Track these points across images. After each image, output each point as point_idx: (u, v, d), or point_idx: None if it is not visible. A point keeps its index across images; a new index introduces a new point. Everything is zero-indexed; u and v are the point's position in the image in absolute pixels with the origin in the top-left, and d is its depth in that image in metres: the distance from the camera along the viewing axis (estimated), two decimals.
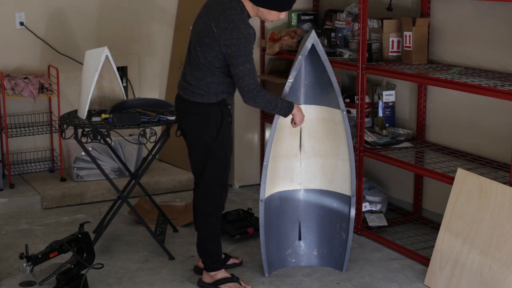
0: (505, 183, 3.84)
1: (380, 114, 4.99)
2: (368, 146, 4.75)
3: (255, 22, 5.64)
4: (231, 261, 4.32)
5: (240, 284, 4.05)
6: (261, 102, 3.79)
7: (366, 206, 4.88)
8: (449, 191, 4.07)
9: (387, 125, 4.99)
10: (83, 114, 4.44)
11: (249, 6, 3.77)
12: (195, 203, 4.06)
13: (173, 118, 4.39)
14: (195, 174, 4.00)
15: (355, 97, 4.77)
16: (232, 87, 3.88)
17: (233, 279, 4.06)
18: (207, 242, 4.04)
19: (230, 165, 4.04)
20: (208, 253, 4.05)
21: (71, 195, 5.42)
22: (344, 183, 4.23)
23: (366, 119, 4.92)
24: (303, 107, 4.20)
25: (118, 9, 5.96)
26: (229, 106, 3.95)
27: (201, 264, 4.17)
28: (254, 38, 3.76)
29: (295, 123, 4.00)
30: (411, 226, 4.91)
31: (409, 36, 4.67)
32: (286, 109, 3.90)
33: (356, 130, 4.71)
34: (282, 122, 4.12)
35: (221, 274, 4.07)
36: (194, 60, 3.84)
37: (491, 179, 3.89)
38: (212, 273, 4.06)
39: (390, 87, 5.05)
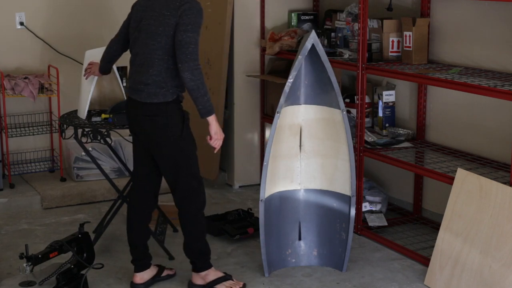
0: (505, 183, 3.84)
1: (380, 114, 4.99)
2: (368, 146, 4.75)
3: (255, 22, 5.65)
4: (165, 273, 4.16)
5: (233, 280, 4.03)
6: (197, 78, 3.66)
7: (366, 206, 4.88)
8: (449, 191, 4.07)
9: (387, 125, 4.99)
10: (83, 114, 4.44)
11: None
12: (178, 207, 3.96)
13: None
14: (170, 178, 3.89)
15: (355, 97, 4.77)
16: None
17: (226, 277, 4.02)
18: (198, 241, 3.97)
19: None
20: (199, 253, 3.98)
21: (71, 195, 5.42)
22: (344, 183, 4.23)
23: (366, 119, 4.92)
24: (303, 107, 4.20)
25: (118, 9, 5.96)
26: (182, 104, 3.88)
27: (137, 280, 4.03)
28: (203, 16, 3.78)
29: (210, 138, 3.81)
30: (411, 226, 4.91)
31: (409, 36, 4.67)
32: (210, 107, 3.74)
33: (356, 130, 4.71)
34: (282, 122, 4.13)
35: (213, 274, 4.01)
36: (147, 59, 3.77)
37: (491, 179, 3.90)
38: (203, 274, 3.99)
39: (390, 87, 5.05)
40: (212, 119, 3.78)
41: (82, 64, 4.69)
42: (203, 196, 3.96)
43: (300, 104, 4.20)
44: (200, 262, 4.00)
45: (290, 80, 4.04)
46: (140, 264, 4.03)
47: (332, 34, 5.36)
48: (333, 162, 4.25)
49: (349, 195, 4.21)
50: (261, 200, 4.11)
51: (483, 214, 3.84)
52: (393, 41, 4.82)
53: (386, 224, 4.81)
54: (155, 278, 4.09)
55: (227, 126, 5.77)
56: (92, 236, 4.44)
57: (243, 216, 4.93)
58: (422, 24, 4.67)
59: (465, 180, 3.98)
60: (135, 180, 4.07)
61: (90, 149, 5.16)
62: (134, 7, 3.93)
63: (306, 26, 5.66)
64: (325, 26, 5.52)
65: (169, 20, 3.71)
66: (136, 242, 4.02)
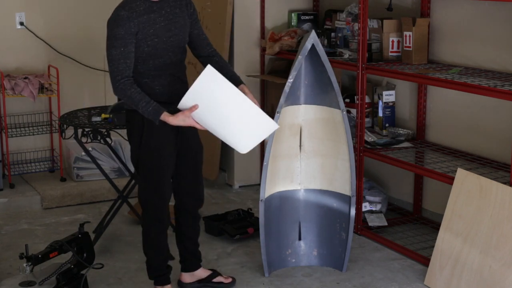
0: (505, 183, 3.84)
1: (380, 114, 4.99)
2: (368, 146, 4.75)
3: (255, 22, 5.65)
4: (217, 279, 4.07)
5: None
6: (121, 94, 3.51)
7: (366, 206, 4.88)
8: (449, 191, 4.07)
9: (387, 125, 4.99)
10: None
11: None
12: None
13: None
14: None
15: (355, 97, 4.77)
16: (153, 88, 3.61)
17: None
18: (148, 254, 3.87)
19: (164, 177, 3.72)
20: (149, 265, 3.89)
21: (71, 195, 5.42)
22: (344, 183, 4.23)
23: (366, 119, 4.92)
24: (303, 107, 4.20)
25: None
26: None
27: (185, 279, 4.04)
28: (126, 22, 3.46)
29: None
30: (411, 226, 4.91)
31: (409, 36, 4.67)
32: (150, 115, 3.48)
33: (356, 130, 4.71)
34: (282, 122, 4.13)
35: None
36: None
37: (491, 179, 3.90)
38: None
39: (390, 87, 5.05)
40: (167, 119, 3.49)
41: (83, 64, 4.69)
42: (158, 214, 3.77)
43: (300, 104, 4.20)
44: (150, 274, 3.90)
45: (290, 80, 4.04)
46: (187, 264, 4.03)
47: (332, 34, 5.36)
48: (333, 162, 4.25)
49: (349, 195, 4.21)
50: (261, 200, 4.11)
51: (483, 214, 3.84)
52: (393, 41, 4.82)
53: (386, 224, 4.81)
54: (203, 282, 4.04)
55: None
56: (92, 236, 4.44)
57: (243, 216, 4.93)
58: (422, 24, 4.68)
59: (465, 180, 3.98)
60: None
61: (90, 149, 5.16)
62: None
63: (306, 26, 5.66)
64: (325, 26, 5.52)
65: None
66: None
